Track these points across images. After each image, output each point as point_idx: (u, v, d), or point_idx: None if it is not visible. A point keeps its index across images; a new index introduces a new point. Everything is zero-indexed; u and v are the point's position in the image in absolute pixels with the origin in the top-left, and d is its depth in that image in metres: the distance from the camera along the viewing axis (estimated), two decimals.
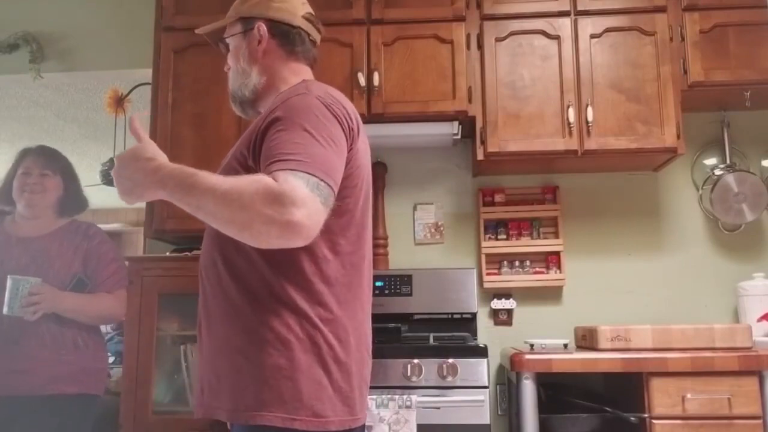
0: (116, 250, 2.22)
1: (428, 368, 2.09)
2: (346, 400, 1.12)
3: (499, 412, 2.50)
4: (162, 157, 1.06)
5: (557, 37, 2.43)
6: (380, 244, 2.64)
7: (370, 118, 2.38)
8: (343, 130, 1.13)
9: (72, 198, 2.19)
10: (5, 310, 1.91)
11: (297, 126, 1.08)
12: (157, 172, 1.03)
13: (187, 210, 1.02)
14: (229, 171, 1.16)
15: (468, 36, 2.45)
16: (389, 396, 2.05)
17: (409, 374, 2.08)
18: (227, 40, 1.34)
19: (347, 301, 1.16)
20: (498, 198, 2.66)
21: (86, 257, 2.10)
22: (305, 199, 0.97)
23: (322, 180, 1.02)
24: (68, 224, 2.16)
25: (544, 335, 2.50)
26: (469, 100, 2.41)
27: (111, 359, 5.94)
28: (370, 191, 1.27)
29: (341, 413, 1.11)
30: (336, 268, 1.14)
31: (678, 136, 2.34)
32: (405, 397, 2.04)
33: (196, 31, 1.41)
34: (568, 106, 2.36)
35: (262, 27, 1.30)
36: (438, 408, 2.06)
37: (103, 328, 7.13)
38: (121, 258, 2.21)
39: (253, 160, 1.13)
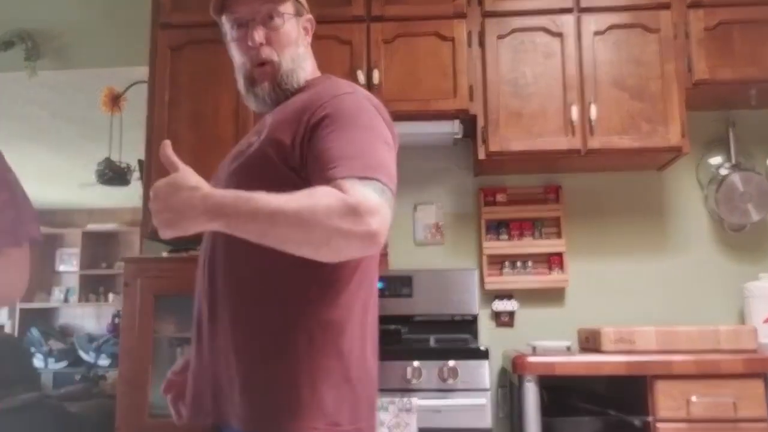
0: (10, 184, 1.33)
1: (429, 371, 2.06)
2: (371, 407, 1.11)
3: (501, 416, 2.47)
4: (205, 185, 0.94)
5: (560, 35, 2.40)
6: None
7: None
8: (391, 134, 1.13)
9: None
10: None
11: (353, 126, 1.05)
12: (207, 201, 0.92)
13: (247, 237, 0.93)
14: (263, 160, 1.08)
15: (469, 33, 2.42)
16: (389, 399, 2.03)
17: (409, 377, 2.06)
18: (279, 14, 1.19)
19: (366, 306, 1.14)
20: (499, 198, 2.63)
21: None
22: (378, 207, 0.94)
23: (385, 185, 0.99)
24: None
25: (546, 337, 2.46)
26: (471, 99, 2.38)
27: (107, 362, 5.90)
28: None
29: (370, 419, 1.10)
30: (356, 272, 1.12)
31: (683, 135, 2.31)
32: (405, 400, 2.02)
33: None
34: (571, 105, 2.34)
35: (312, 21, 1.27)
36: (439, 411, 2.03)
37: (99, 330, 7.04)
38: (16, 199, 1.32)
39: (300, 156, 1.06)
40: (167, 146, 0.97)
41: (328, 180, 0.96)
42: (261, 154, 1.09)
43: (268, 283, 1.07)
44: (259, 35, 1.17)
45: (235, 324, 1.08)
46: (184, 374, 1.23)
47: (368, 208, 0.92)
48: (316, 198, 0.93)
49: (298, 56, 1.21)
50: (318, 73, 1.26)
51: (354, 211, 0.91)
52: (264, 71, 1.19)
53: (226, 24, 1.23)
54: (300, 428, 1.01)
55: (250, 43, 1.18)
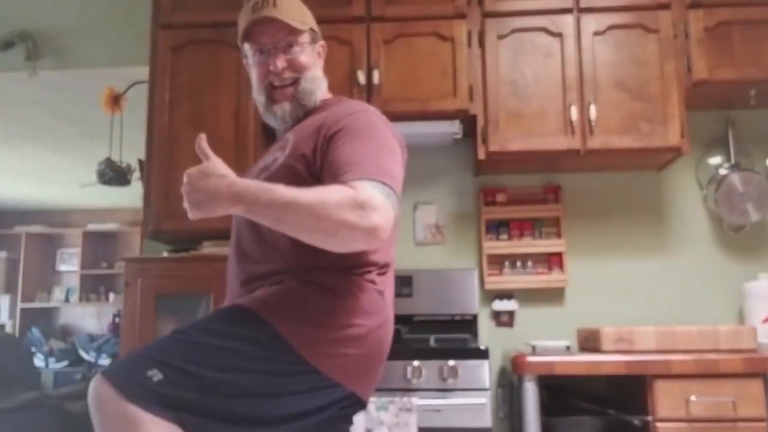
0: None
1: (429, 370, 2.06)
2: (373, 376, 1.25)
3: (501, 415, 2.47)
4: (233, 175, 1.08)
5: (560, 35, 2.40)
6: None
7: None
8: (399, 145, 1.28)
9: None
10: None
11: (364, 138, 1.19)
12: (232, 188, 1.06)
13: (264, 222, 1.08)
14: (291, 172, 1.22)
15: (469, 33, 2.42)
16: (389, 399, 2.03)
17: (409, 376, 2.06)
18: (299, 44, 1.36)
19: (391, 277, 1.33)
20: (499, 198, 2.63)
21: None
22: (383, 206, 1.07)
23: (391, 189, 1.12)
24: None
25: (546, 337, 2.47)
26: (471, 99, 2.38)
27: (107, 361, 5.92)
28: None
29: (367, 386, 1.24)
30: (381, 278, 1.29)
31: (682, 135, 2.31)
32: (405, 399, 2.02)
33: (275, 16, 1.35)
34: (571, 105, 2.34)
35: (325, 47, 1.45)
36: (439, 411, 2.04)
37: (99, 330, 7.08)
38: None
39: (320, 164, 1.21)
40: (203, 139, 1.13)
41: (340, 183, 1.09)
42: (287, 167, 1.24)
43: (298, 252, 1.18)
44: (281, 61, 1.34)
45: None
46: None
47: (373, 205, 1.05)
48: (329, 193, 1.06)
49: (315, 78, 1.38)
50: (330, 95, 1.42)
51: (361, 207, 1.04)
52: (285, 93, 1.36)
53: (248, 51, 1.39)
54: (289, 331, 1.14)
55: (272, 68, 1.34)
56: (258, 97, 1.40)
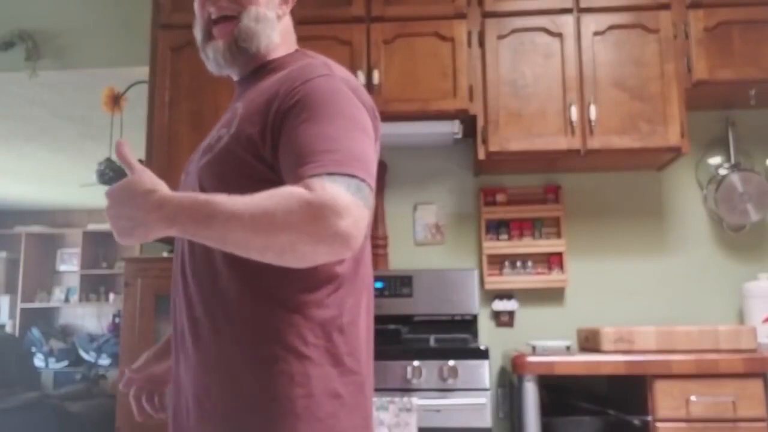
0: None
1: (429, 370, 2.06)
2: (363, 414, 1.02)
3: (501, 415, 2.47)
4: (162, 187, 0.87)
5: (560, 35, 2.40)
6: (380, 244, 2.61)
7: None
8: (372, 119, 1.03)
9: None
10: None
11: (327, 115, 0.95)
12: (163, 207, 0.85)
13: (208, 244, 0.88)
14: (232, 159, 1.00)
15: (469, 33, 2.42)
16: (389, 399, 2.03)
17: (409, 377, 2.06)
18: None
19: (356, 305, 1.04)
20: (499, 198, 2.63)
21: None
22: (349, 207, 0.85)
23: (363, 180, 0.90)
24: None
25: (546, 337, 2.47)
26: (471, 99, 2.38)
27: (107, 361, 5.92)
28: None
29: (360, 428, 1.01)
30: (347, 268, 1.04)
31: (682, 135, 2.31)
32: (405, 399, 2.02)
33: None
34: (571, 105, 2.34)
35: None
36: (439, 411, 2.03)
37: (99, 330, 7.08)
38: None
39: (271, 148, 0.98)
40: (123, 145, 0.91)
41: (298, 178, 0.88)
42: (229, 150, 1.01)
43: (250, 286, 0.98)
44: None
45: (213, 332, 1.00)
46: (143, 373, 1.22)
47: (335, 208, 0.84)
48: (276, 200, 0.85)
49: (264, 17, 1.11)
50: (293, 49, 1.16)
51: (318, 214, 0.83)
52: (221, 28, 1.11)
53: None
54: None
55: None
56: (195, 33, 1.15)
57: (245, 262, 0.90)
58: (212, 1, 1.11)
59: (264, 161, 0.98)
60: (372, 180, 0.93)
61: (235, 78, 1.17)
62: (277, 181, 0.93)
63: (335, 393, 0.97)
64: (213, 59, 1.13)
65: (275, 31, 1.13)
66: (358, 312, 1.05)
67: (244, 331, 0.98)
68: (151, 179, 0.87)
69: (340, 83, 1.01)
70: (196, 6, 1.15)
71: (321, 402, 0.96)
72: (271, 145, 0.98)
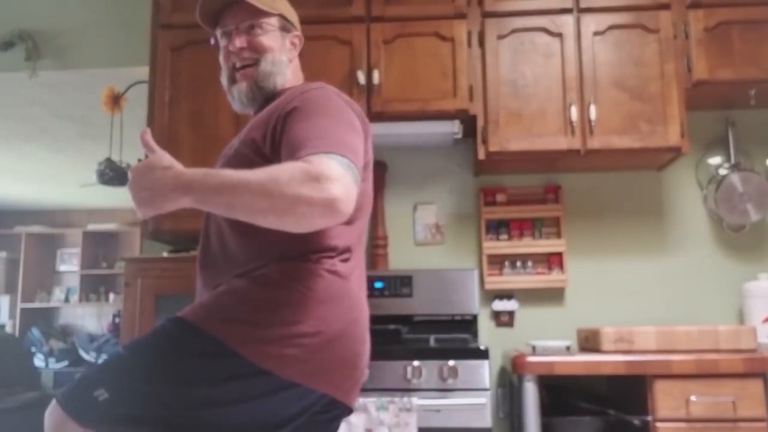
0: None
1: (429, 370, 2.06)
2: (351, 370, 1.16)
3: (501, 415, 2.47)
4: (178, 165, 1.05)
5: (559, 35, 2.40)
6: (380, 244, 2.61)
7: (369, 117, 2.32)
8: (362, 125, 1.21)
9: None
10: None
11: (319, 115, 1.13)
12: (178, 179, 1.02)
13: (217, 211, 1.05)
14: (241, 159, 1.18)
15: (469, 33, 2.42)
16: (389, 399, 2.03)
17: (409, 377, 2.06)
18: (261, 26, 1.34)
19: (360, 267, 1.25)
20: (499, 198, 2.63)
21: None
22: (340, 176, 1.00)
23: (351, 161, 1.05)
24: None
25: (546, 337, 2.47)
26: (470, 99, 2.38)
27: None
28: (371, 191, 1.31)
29: (343, 383, 1.15)
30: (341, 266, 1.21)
31: (682, 135, 2.31)
32: (405, 399, 2.02)
33: None
34: (571, 105, 2.34)
35: (301, 39, 1.41)
36: (439, 411, 2.03)
37: (99, 330, 7.09)
38: None
39: (271, 147, 1.16)
40: (147, 133, 1.10)
41: (296, 159, 1.04)
42: (239, 154, 1.21)
43: (256, 249, 1.16)
44: (240, 41, 1.31)
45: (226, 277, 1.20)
46: None
47: (329, 176, 0.98)
48: (280, 169, 1.00)
49: (278, 62, 1.33)
50: (300, 81, 1.38)
51: (315, 178, 0.97)
52: (245, 73, 1.33)
53: (218, 35, 1.38)
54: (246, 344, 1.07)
55: (231, 48, 1.32)
56: (222, 80, 1.38)
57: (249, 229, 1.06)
58: (236, 54, 1.33)
59: (265, 158, 1.15)
60: (359, 164, 1.09)
61: (253, 113, 1.36)
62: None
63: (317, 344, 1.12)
64: (237, 99, 1.35)
65: (288, 70, 1.35)
66: (359, 274, 1.24)
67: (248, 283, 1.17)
68: (169, 159, 1.05)
69: (331, 93, 1.21)
70: (222, 58, 1.37)
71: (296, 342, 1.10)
72: (271, 144, 1.16)
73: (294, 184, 0.96)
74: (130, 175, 1.05)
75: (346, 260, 1.19)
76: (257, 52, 1.32)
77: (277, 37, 1.35)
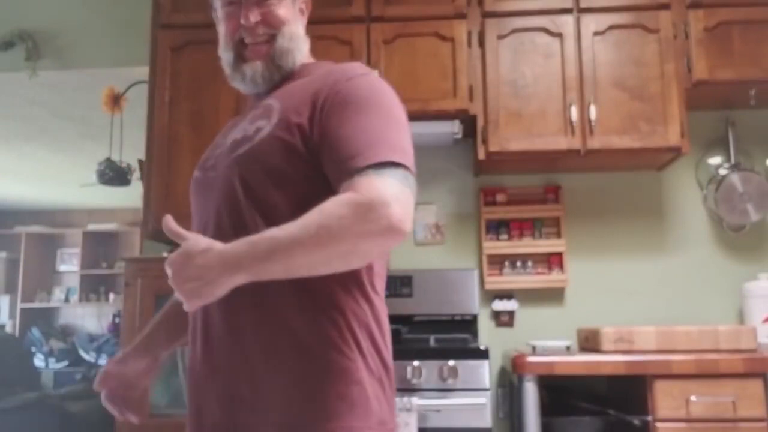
0: None
1: (429, 370, 2.06)
2: (393, 406, 1.07)
3: (501, 415, 2.47)
4: (216, 244, 0.91)
5: (560, 35, 2.40)
6: None
7: None
8: (405, 115, 1.09)
9: None
10: None
11: (368, 111, 1.01)
12: (224, 259, 0.89)
13: (275, 278, 0.91)
14: (281, 143, 1.02)
15: (469, 33, 2.42)
16: None
17: (409, 376, 2.06)
18: None
19: (382, 303, 1.10)
20: (499, 198, 2.63)
21: None
22: (397, 195, 0.91)
23: (407, 169, 0.97)
24: None
25: (546, 337, 2.47)
26: (471, 99, 2.38)
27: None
28: None
29: (394, 418, 1.06)
30: (378, 270, 1.10)
31: (682, 135, 2.31)
32: (405, 399, 2.02)
33: None
34: (571, 105, 2.34)
35: (308, 3, 1.23)
36: (439, 411, 2.03)
37: (99, 330, 7.10)
38: None
39: (319, 136, 1.01)
40: (170, 220, 0.94)
41: (345, 174, 0.95)
42: (278, 139, 1.03)
43: (293, 281, 0.98)
44: (254, 14, 1.13)
45: (260, 326, 1.01)
46: (123, 366, 1.17)
47: (383, 201, 0.90)
48: (326, 213, 0.90)
49: (295, 36, 1.17)
50: (312, 59, 1.21)
51: (369, 209, 0.89)
52: (258, 50, 1.15)
53: (216, 1, 1.19)
54: (355, 428, 0.97)
55: (243, 22, 1.13)
56: (225, 54, 1.18)
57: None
58: (249, 30, 1.14)
59: (309, 148, 1.02)
60: (413, 167, 1.00)
61: (263, 91, 1.18)
62: (312, 173, 1.01)
63: (380, 381, 1.03)
64: (251, 79, 1.16)
65: (305, 45, 1.20)
66: (383, 303, 1.10)
67: (287, 324, 1.01)
68: (204, 240, 0.92)
69: (377, 81, 1.08)
70: (224, 30, 1.17)
71: (371, 390, 1.00)
72: (319, 132, 1.02)
73: (347, 223, 0.88)
74: (168, 269, 0.91)
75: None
76: (273, 26, 1.14)
77: (289, 4, 1.17)
